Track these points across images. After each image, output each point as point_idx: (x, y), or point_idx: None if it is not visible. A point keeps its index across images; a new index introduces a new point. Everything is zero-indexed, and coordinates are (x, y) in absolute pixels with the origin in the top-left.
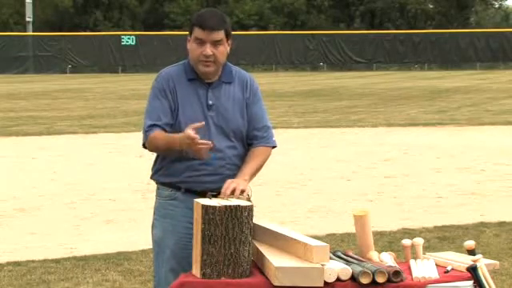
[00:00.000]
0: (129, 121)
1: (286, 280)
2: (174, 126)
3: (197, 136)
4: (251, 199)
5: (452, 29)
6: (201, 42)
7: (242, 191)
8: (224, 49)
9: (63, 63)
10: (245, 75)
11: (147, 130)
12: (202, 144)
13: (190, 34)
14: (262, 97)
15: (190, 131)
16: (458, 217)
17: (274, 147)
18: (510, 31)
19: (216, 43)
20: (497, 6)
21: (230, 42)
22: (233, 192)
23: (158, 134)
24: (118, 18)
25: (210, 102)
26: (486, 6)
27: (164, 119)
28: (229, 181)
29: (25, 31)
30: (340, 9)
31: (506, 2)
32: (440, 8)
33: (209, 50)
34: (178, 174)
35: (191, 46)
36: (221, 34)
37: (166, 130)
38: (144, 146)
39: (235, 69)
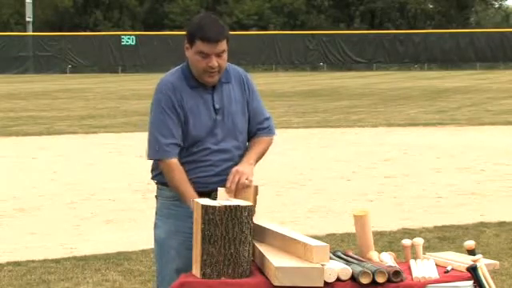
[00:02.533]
0: (129, 121)
1: (286, 280)
2: (184, 137)
3: None
4: (258, 188)
5: (452, 29)
6: (205, 55)
7: (247, 178)
8: (226, 55)
9: (63, 63)
10: (239, 72)
11: (167, 151)
12: None
13: (190, 43)
14: (256, 89)
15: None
16: (458, 217)
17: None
18: (510, 31)
19: (220, 54)
20: (497, 5)
21: (228, 45)
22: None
23: (177, 170)
24: (118, 18)
25: (217, 106)
26: (486, 5)
27: (178, 136)
28: (233, 171)
29: (25, 31)
30: (340, 9)
31: (506, 2)
32: (440, 8)
33: (214, 61)
34: None
35: (194, 57)
36: (224, 44)
37: (180, 147)
38: (151, 159)
39: (229, 65)
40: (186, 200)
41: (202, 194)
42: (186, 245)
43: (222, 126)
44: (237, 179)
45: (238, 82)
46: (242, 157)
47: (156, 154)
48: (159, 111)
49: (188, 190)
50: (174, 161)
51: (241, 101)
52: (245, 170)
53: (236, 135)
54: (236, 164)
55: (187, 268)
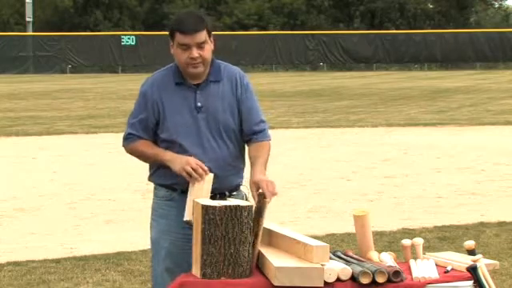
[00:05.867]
0: None
1: (285, 280)
2: (162, 133)
3: (205, 170)
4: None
5: (452, 29)
6: (185, 47)
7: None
8: (209, 47)
9: (63, 63)
10: (233, 71)
11: (126, 138)
12: (199, 175)
13: (172, 39)
14: (253, 90)
15: (198, 163)
16: (458, 217)
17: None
18: (510, 31)
19: (200, 44)
20: (497, 5)
21: (212, 38)
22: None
23: (140, 145)
24: (118, 18)
25: (199, 104)
26: (485, 5)
27: (140, 132)
28: (260, 182)
29: (25, 31)
30: (340, 9)
31: (506, 2)
32: (440, 8)
33: (195, 52)
34: (175, 175)
35: (176, 51)
36: (203, 35)
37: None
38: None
39: (223, 65)
40: (166, 157)
41: None
42: (177, 245)
43: (206, 124)
44: (272, 189)
45: (230, 81)
46: (230, 157)
47: (123, 141)
48: (136, 104)
49: (160, 151)
50: (138, 143)
51: (230, 99)
52: (268, 178)
53: (221, 134)
54: (224, 164)
55: (178, 268)
